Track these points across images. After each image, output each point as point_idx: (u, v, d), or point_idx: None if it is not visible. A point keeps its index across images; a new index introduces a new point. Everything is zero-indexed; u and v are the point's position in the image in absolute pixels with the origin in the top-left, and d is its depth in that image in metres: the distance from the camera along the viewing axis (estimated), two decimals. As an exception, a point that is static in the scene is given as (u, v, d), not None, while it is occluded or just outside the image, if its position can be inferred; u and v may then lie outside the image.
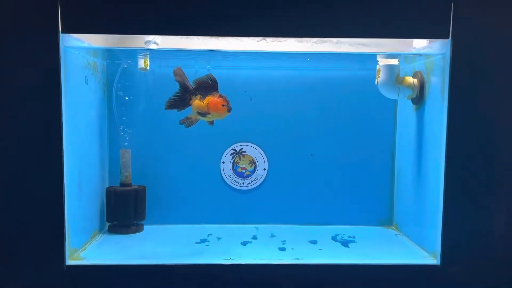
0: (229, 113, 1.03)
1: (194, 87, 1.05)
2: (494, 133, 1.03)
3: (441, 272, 1.05)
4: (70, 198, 1.05)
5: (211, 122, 1.08)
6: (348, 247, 1.21)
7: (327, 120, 1.43)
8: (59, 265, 1.01)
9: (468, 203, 1.04)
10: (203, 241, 1.25)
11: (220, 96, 1.02)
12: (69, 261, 1.03)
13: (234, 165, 1.44)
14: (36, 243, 1.00)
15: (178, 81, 1.06)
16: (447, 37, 1.02)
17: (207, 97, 1.03)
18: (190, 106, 1.07)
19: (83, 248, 1.16)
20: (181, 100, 1.06)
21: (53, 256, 1.01)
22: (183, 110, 1.08)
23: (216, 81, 1.03)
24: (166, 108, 1.07)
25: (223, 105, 1.01)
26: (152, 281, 1.03)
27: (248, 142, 1.44)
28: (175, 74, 1.05)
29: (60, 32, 0.98)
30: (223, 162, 1.44)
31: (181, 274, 1.03)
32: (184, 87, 1.06)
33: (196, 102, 1.04)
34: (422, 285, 1.06)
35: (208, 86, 1.03)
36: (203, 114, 1.03)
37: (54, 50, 0.98)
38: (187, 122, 1.08)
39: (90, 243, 1.21)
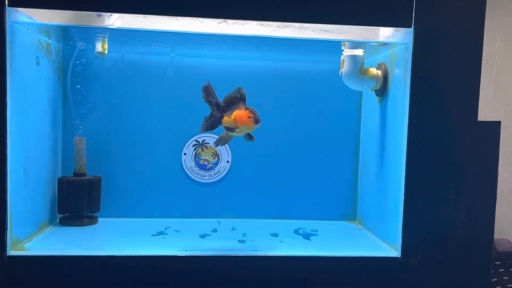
0: (258, 125, 0.97)
1: (224, 104, 1.01)
2: (454, 125, 1.03)
3: (402, 264, 1.04)
4: (14, 185, 0.98)
5: (249, 137, 1.03)
6: (310, 240, 1.19)
7: (292, 113, 1.41)
8: (-1, 256, 0.94)
9: (428, 197, 1.03)
10: (159, 233, 1.19)
11: (246, 108, 0.97)
12: (11, 252, 0.96)
13: (196, 157, 1.39)
14: (-27, 231, 0.93)
15: (209, 101, 1.01)
16: (410, 26, 1.01)
17: (234, 112, 0.98)
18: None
19: (29, 239, 1.09)
20: (215, 120, 1.01)
21: (-7, 245, 0.94)
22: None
23: (244, 94, 0.99)
24: (202, 131, 1.02)
25: (249, 117, 0.96)
26: (99, 273, 0.97)
27: (212, 133, 1.39)
28: (205, 92, 1.01)
29: (6, 5, 0.92)
30: (185, 154, 1.39)
31: (131, 266, 0.98)
32: (216, 106, 1.01)
33: (225, 118, 1.00)
34: (383, 276, 1.04)
35: (235, 100, 0.99)
36: (231, 130, 0.99)
37: (-1, 25, 0.92)
38: (222, 142, 1.04)
39: (37, 234, 1.14)
